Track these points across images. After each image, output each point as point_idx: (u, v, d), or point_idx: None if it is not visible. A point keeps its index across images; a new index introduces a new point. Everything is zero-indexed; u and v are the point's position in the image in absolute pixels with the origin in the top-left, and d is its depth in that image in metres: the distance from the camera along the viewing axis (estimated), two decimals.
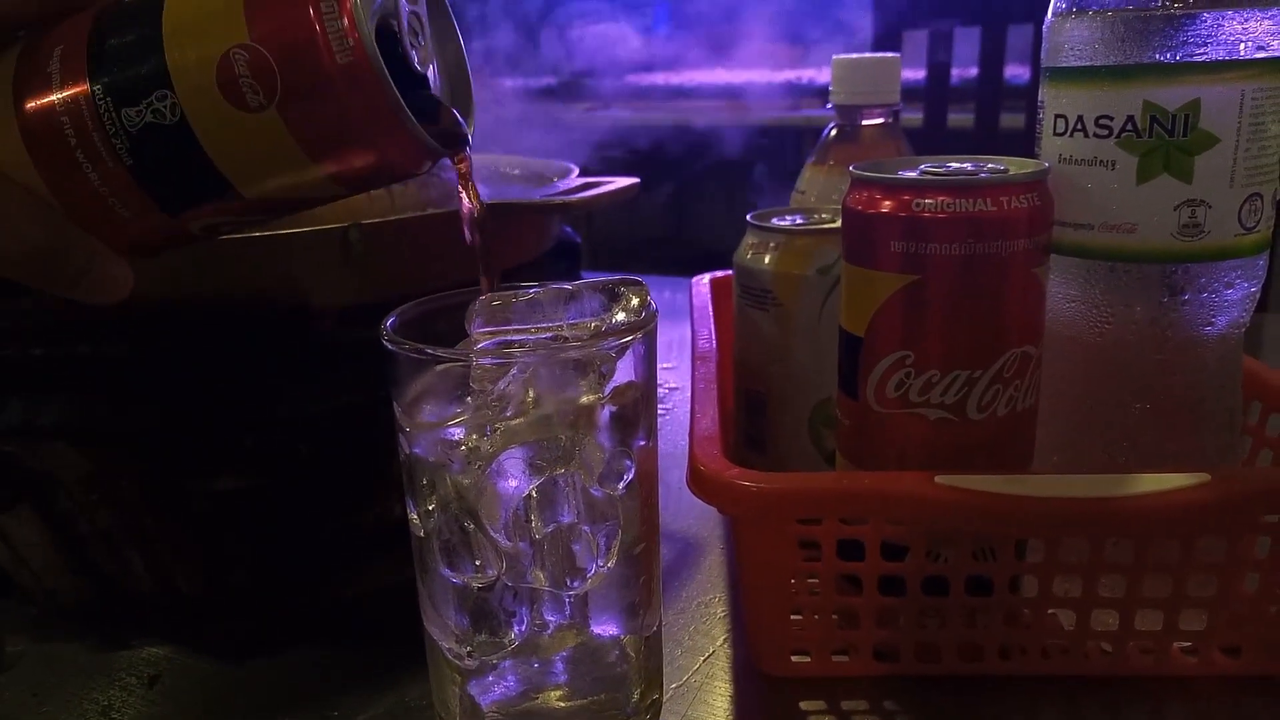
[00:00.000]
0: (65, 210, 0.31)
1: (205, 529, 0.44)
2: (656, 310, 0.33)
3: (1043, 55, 0.38)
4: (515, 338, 0.32)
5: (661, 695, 0.37)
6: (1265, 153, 0.35)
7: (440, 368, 0.32)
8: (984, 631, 0.38)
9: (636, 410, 0.33)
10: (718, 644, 0.43)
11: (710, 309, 0.60)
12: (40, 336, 0.41)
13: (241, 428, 0.43)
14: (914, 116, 1.61)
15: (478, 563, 0.32)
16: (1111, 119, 0.35)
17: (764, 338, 0.50)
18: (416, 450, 0.32)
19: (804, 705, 0.38)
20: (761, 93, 2.55)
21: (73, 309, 0.35)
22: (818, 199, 0.56)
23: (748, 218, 0.52)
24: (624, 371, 0.32)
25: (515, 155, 0.67)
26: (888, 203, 0.35)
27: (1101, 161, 0.36)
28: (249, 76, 0.29)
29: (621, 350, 0.32)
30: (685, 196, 3.09)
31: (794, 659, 0.40)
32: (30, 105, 0.30)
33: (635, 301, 0.32)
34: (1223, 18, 0.33)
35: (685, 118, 2.57)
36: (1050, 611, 0.38)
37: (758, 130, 2.48)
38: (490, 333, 0.32)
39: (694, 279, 0.65)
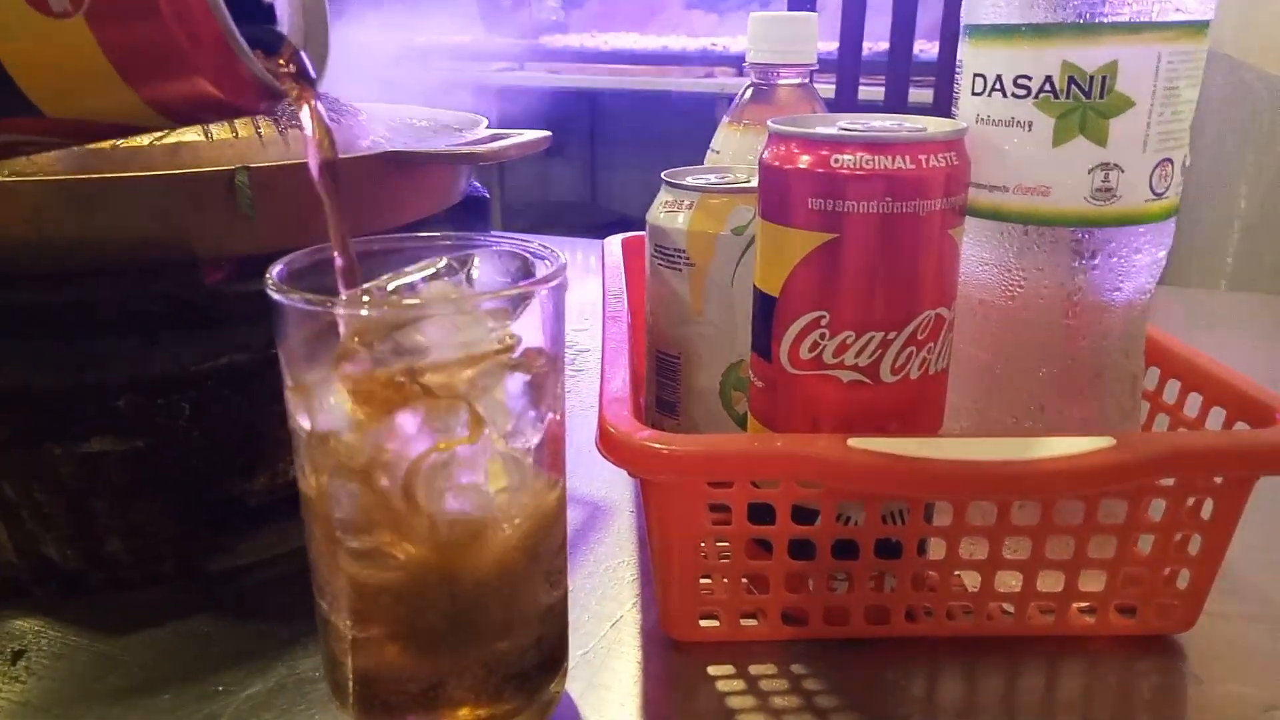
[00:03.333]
0: None
1: (74, 495, 0.41)
2: (565, 265, 0.31)
3: (962, 12, 0.37)
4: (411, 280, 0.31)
5: (567, 662, 0.36)
6: (1178, 118, 0.35)
7: (332, 320, 0.29)
8: (891, 594, 0.38)
9: (543, 372, 0.31)
10: (625, 609, 0.42)
11: (622, 269, 0.58)
12: None
13: (114, 386, 0.40)
14: (827, 87, 1.62)
15: (371, 531, 0.30)
16: (1029, 79, 0.35)
17: (676, 298, 0.49)
18: (304, 411, 0.30)
19: (712, 670, 0.38)
20: (677, 58, 2.53)
21: None
22: (732, 158, 0.55)
23: (662, 175, 0.50)
24: (530, 332, 0.30)
25: (423, 107, 0.64)
26: (805, 158, 0.34)
27: (1018, 122, 0.35)
28: None
29: (525, 305, 0.30)
30: (598, 161, 3.06)
31: (703, 623, 0.39)
32: None
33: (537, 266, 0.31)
34: None
35: (600, 81, 2.54)
36: (955, 573, 0.39)
37: (672, 96, 2.46)
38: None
39: (606, 239, 0.64)
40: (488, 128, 0.57)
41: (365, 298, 0.30)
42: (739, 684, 0.37)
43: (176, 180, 0.39)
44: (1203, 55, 0.35)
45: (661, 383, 0.51)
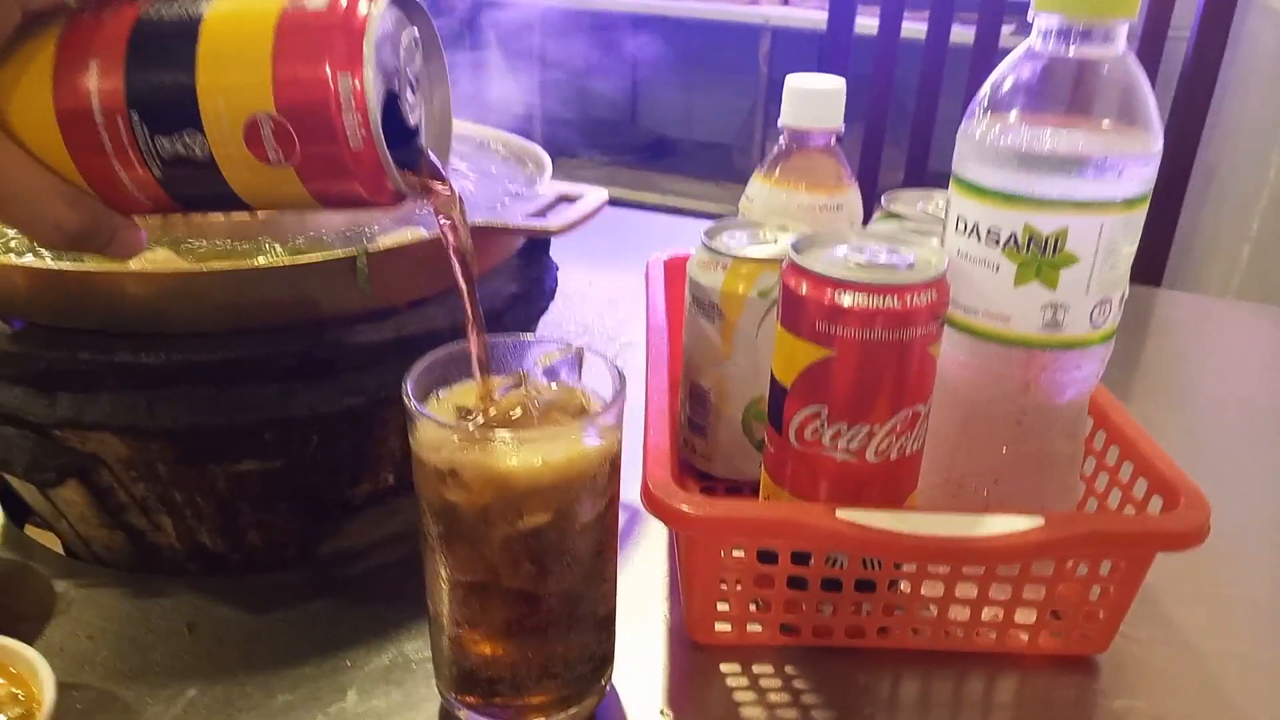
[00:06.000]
0: (93, 192, 0.35)
1: (225, 500, 0.52)
2: (625, 381, 0.41)
3: (953, 159, 0.45)
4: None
5: (614, 657, 0.47)
6: (1116, 269, 0.43)
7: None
8: (867, 617, 0.49)
9: (610, 460, 0.41)
10: (657, 610, 0.53)
11: (663, 297, 0.67)
12: (86, 345, 0.47)
13: (260, 424, 0.50)
14: (870, 21, 1.63)
15: (474, 571, 0.40)
16: (999, 231, 0.43)
17: (709, 342, 0.58)
18: (428, 484, 0.40)
19: (723, 668, 0.49)
20: None
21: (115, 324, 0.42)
22: (763, 208, 0.64)
23: (701, 233, 0.59)
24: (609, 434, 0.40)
25: (501, 131, 0.72)
26: (814, 291, 0.43)
27: (988, 263, 0.44)
28: (273, 140, 0.34)
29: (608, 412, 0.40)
30: (640, 82, 3.08)
31: (717, 627, 0.50)
32: (68, 107, 0.34)
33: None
34: (1089, 166, 0.41)
35: (643, 5, 2.55)
36: (917, 605, 0.49)
37: (716, 25, 2.47)
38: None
39: (649, 259, 0.72)
40: (550, 168, 0.66)
41: (480, 421, 0.40)
42: (744, 680, 0.48)
43: (313, 268, 0.48)
44: (1141, 217, 0.43)
45: (694, 408, 0.61)
